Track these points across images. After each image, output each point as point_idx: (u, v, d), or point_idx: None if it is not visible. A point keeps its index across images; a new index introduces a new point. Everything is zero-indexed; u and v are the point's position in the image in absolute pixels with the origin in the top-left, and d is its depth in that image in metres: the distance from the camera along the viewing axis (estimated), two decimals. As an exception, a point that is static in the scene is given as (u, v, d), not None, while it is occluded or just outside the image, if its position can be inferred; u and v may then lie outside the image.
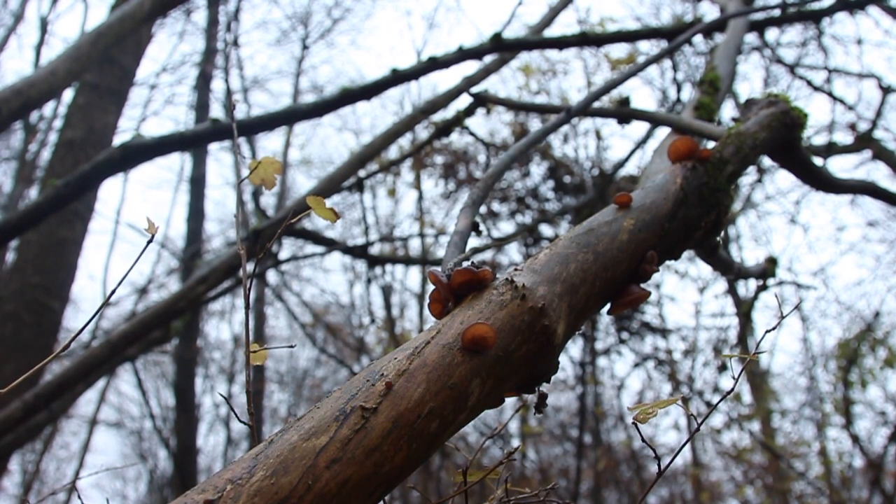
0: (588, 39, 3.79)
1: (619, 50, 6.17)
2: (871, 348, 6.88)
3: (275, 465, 0.57)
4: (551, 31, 5.04)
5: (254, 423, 0.93)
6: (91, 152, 4.95)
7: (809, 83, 5.96)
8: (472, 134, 4.78)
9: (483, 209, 6.36)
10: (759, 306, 8.00)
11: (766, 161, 5.22)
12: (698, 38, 4.31)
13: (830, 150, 5.56)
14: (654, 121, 2.11)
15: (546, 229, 6.42)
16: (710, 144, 1.40)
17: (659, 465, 0.92)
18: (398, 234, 8.79)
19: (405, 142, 6.65)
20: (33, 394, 3.41)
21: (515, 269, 0.87)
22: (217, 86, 8.83)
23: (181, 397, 7.80)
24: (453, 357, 0.72)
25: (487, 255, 6.36)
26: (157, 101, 9.48)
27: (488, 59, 4.31)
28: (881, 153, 5.78)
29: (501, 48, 3.76)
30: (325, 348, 8.99)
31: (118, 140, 4.16)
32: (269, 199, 9.43)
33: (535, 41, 4.13)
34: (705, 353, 7.67)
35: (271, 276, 8.19)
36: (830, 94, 5.90)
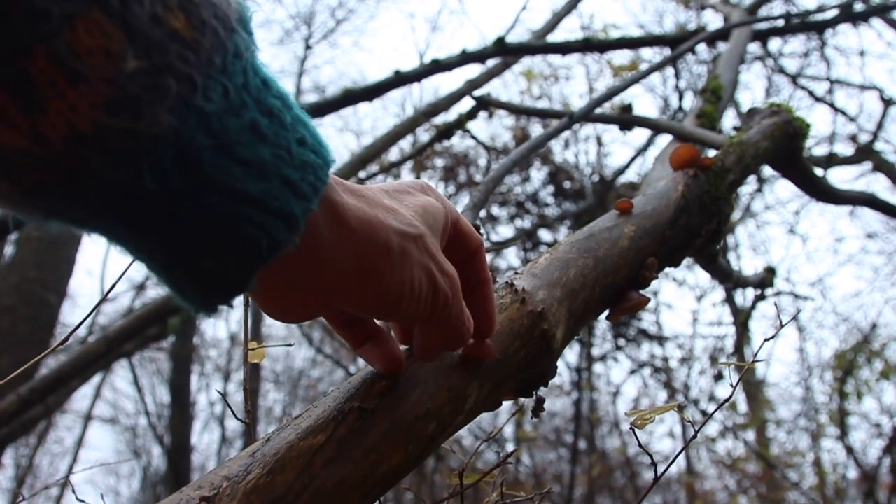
0: (591, 45, 3.80)
1: (621, 57, 6.19)
2: (868, 360, 6.89)
3: (271, 464, 0.57)
4: (555, 37, 5.05)
5: (251, 420, 0.93)
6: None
7: (811, 94, 5.97)
8: (473, 137, 4.78)
9: (483, 213, 6.36)
10: (757, 316, 8.01)
11: (767, 171, 5.23)
12: (701, 47, 4.32)
13: (831, 160, 5.57)
14: (657, 128, 2.11)
15: (545, 234, 6.43)
16: (712, 153, 1.40)
17: (655, 472, 0.92)
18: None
19: (406, 144, 6.66)
20: (29, 388, 3.40)
21: (515, 273, 0.87)
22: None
23: (176, 395, 7.79)
24: (452, 359, 0.72)
25: (486, 259, 6.34)
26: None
27: (491, 62, 4.32)
28: (881, 165, 5.80)
29: (505, 52, 3.77)
30: (321, 348, 8.99)
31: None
32: (268, 199, 9.41)
33: (539, 46, 4.13)
34: (702, 361, 7.67)
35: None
36: (832, 105, 5.92)
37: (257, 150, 0.43)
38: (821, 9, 4.01)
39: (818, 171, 1.79)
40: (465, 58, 3.58)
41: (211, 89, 0.40)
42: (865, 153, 5.76)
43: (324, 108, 3.48)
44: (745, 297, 7.41)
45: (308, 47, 10.51)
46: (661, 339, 7.60)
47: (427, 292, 0.57)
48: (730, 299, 7.63)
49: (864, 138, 5.99)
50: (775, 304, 1.18)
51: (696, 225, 1.13)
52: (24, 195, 0.39)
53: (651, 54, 5.46)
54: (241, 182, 0.42)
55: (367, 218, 0.52)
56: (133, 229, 0.42)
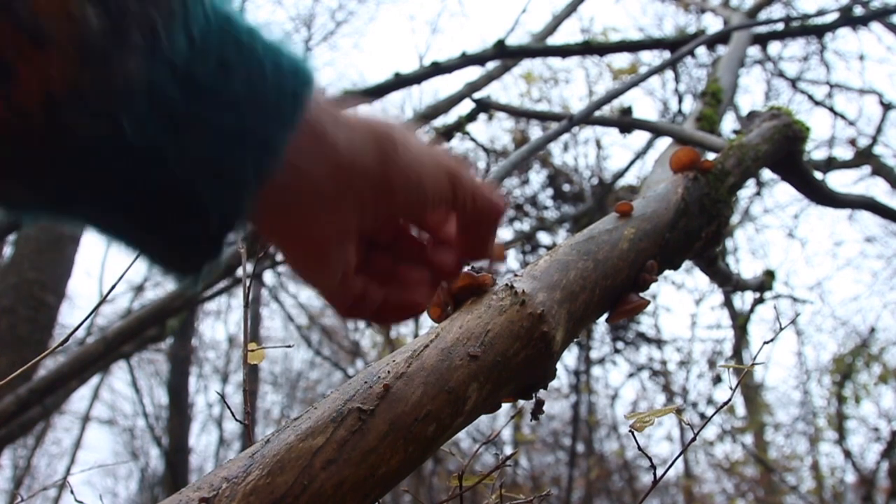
0: (591, 48, 3.80)
1: (621, 60, 6.19)
2: (866, 364, 6.89)
3: (271, 465, 0.57)
4: (554, 40, 5.05)
5: (249, 422, 0.93)
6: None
7: (811, 97, 5.97)
8: (472, 139, 4.79)
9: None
10: (756, 319, 8.01)
11: (766, 174, 5.23)
12: (701, 50, 4.32)
13: (830, 164, 5.57)
14: (656, 131, 2.11)
15: (544, 237, 6.43)
16: (711, 156, 1.40)
17: (654, 475, 0.92)
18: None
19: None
20: (27, 389, 3.40)
21: (515, 275, 0.87)
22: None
23: (175, 396, 7.78)
24: (451, 361, 0.72)
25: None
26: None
27: (491, 65, 4.32)
28: (880, 169, 5.80)
29: (504, 55, 3.77)
30: (320, 350, 8.98)
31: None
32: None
33: (539, 49, 4.14)
34: (700, 364, 7.67)
35: (268, 276, 8.18)
36: (831, 109, 5.92)
37: (228, 84, 0.43)
38: (821, 13, 4.02)
39: (817, 175, 1.79)
40: (465, 60, 3.58)
41: (174, 36, 0.40)
42: (865, 157, 5.76)
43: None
44: (743, 300, 7.41)
45: (308, 49, 10.51)
46: (659, 343, 7.61)
47: (436, 168, 0.58)
48: (728, 303, 7.64)
49: (863, 142, 5.99)
50: (774, 308, 1.18)
51: (696, 228, 1.13)
52: (5, 176, 0.39)
53: (651, 57, 5.46)
54: (217, 118, 0.43)
55: (349, 123, 0.51)
56: (119, 194, 0.43)
